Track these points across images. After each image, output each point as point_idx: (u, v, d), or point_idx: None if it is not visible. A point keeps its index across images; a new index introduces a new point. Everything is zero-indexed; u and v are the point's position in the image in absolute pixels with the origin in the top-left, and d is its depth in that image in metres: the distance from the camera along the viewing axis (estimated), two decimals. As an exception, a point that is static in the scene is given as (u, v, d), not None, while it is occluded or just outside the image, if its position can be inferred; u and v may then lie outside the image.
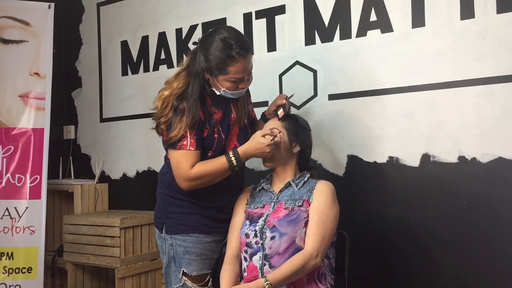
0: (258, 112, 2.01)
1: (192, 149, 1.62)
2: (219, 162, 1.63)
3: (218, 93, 1.66)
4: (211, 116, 1.68)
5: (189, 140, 1.61)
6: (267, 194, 1.72)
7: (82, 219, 2.55)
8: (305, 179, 1.70)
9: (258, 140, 1.63)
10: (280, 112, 1.74)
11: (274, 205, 1.66)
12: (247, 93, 1.84)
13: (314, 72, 2.21)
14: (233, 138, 1.74)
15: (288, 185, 1.70)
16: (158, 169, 2.25)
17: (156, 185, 1.84)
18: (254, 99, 2.04)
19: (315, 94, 2.21)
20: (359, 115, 2.12)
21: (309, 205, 1.60)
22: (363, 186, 2.11)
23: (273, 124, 1.74)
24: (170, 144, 1.63)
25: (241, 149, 1.64)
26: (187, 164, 1.61)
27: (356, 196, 2.12)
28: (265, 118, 1.88)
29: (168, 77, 1.72)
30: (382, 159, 2.07)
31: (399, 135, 2.03)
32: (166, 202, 1.75)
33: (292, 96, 1.88)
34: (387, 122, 2.06)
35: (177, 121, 1.61)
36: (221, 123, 1.71)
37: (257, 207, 1.68)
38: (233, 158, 1.62)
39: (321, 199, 1.60)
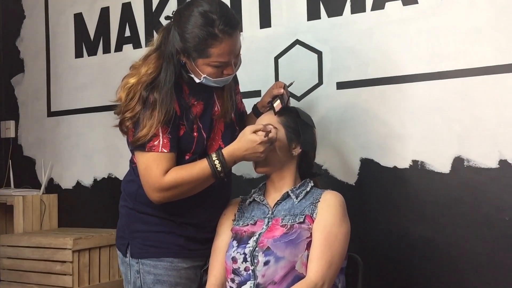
0: (249, 104, 1.98)
1: (165, 151, 1.61)
2: (199, 167, 1.62)
3: (197, 80, 1.66)
4: (189, 110, 1.68)
5: (161, 139, 1.61)
6: (259, 207, 1.72)
7: (24, 240, 2.53)
8: (308, 188, 1.70)
9: (248, 138, 1.61)
10: (277, 104, 1.73)
11: (268, 222, 1.66)
12: (235, 80, 1.84)
13: (319, 54, 2.21)
14: (216, 137, 1.75)
15: (286, 196, 1.70)
16: (121, 176, 2.21)
17: (118, 197, 1.83)
18: (243, 88, 2.04)
19: (320, 82, 2.21)
20: (375, 109, 2.11)
21: (313, 221, 1.61)
22: (380, 197, 2.11)
23: (268, 119, 1.73)
24: (138, 146, 1.62)
25: (227, 151, 1.63)
26: (158, 170, 1.60)
27: (371, 210, 2.11)
28: (257, 111, 1.87)
29: (135, 61, 1.71)
30: (403, 163, 2.07)
31: (425, 133, 2.02)
32: (131, 218, 1.75)
33: (291, 84, 1.86)
34: (410, 118, 2.05)
35: (147, 116, 1.60)
36: (201, 119, 1.71)
37: (247, 224, 1.68)
38: (216, 162, 1.61)
39: (328, 214, 1.60)
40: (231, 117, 1.79)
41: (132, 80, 1.63)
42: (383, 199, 2.11)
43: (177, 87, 1.66)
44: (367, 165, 2.13)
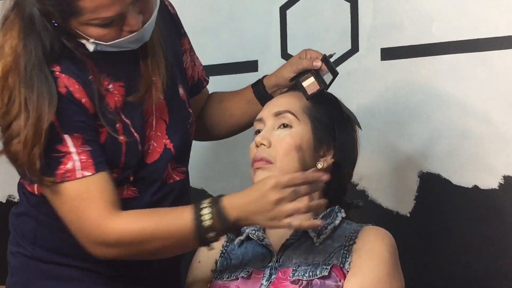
0: (241, 83, 1.96)
1: (89, 173, 1.60)
2: (174, 218, 1.60)
3: (90, 48, 1.64)
4: (103, 101, 1.66)
5: (76, 157, 1.60)
6: (256, 250, 1.71)
7: None
8: (337, 222, 1.68)
9: (265, 193, 1.53)
10: (310, 83, 1.72)
11: (271, 275, 1.63)
12: (177, 31, 1.87)
13: (353, 2, 2.20)
14: (158, 134, 1.74)
15: (301, 233, 1.66)
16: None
17: (7, 237, 1.79)
18: (229, 57, 2.09)
19: (355, 48, 2.19)
20: (444, 92, 2.09)
21: (344, 276, 1.58)
22: (452, 235, 2.08)
23: (285, 103, 1.71)
24: (42, 176, 1.58)
25: (231, 200, 1.57)
26: (96, 210, 1.60)
27: (437, 255, 2.08)
28: (262, 91, 1.87)
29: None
30: (490, 181, 2.04)
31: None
32: (30, 271, 1.74)
33: (332, 56, 1.82)
34: (503, 108, 2.03)
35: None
36: (126, 110, 1.69)
37: (236, 278, 1.66)
38: (207, 215, 1.56)
39: (370, 265, 1.59)
40: (179, 94, 1.79)
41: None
42: (457, 238, 2.07)
43: (76, 64, 1.65)
44: (431, 183, 2.11)
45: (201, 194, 2.28)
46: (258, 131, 1.73)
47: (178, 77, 1.81)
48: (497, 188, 2.03)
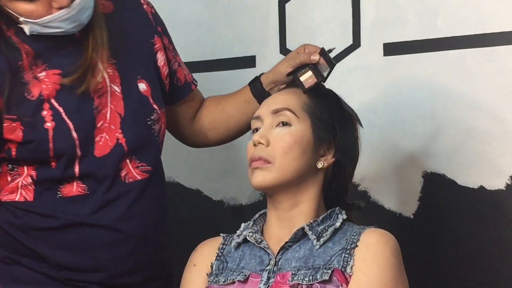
0: (237, 82, 1.97)
1: None
2: None
3: (27, 31, 1.67)
4: (22, 89, 1.69)
5: None
6: (254, 253, 1.69)
7: None
8: (337, 224, 1.66)
9: None
10: (308, 76, 1.72)
11: (269, 278, 1.62)
12: (148, 28, 1.87)
13: None
14: (112, 130, 1.76)
15: (300, 235, 1.65)
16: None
17: None
18: (226, 52, 2.03)
19: (356, 43, 2.18)
20: (450, 89, 2.07)
21: (346, 281, 1.57)
22: (457, 238, 2.07)
23: (283, 100, 1.70)
24: None
25: None
26: None
27: (442, 259, 2.07)
28: (259, 89, 1.88)
29: None
30: (497, 182, 2.02)
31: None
32: None
33: (332, 50, 1.82)
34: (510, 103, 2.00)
35: None
36: (60, 97, 1.71)
37: (233, 282, 1.65)
38: None
39: (373, 269, 1.57)
40: (137, 90, 1.79)
41: None
42: (462, 241, 2.05)
43: (7, 50, 1.68)
44: (435, 184, 2.09)
45: (197, 195, 2.24)
46: (255, 130, 1.71)
47: (141, 72, 1.81)
48: (504, 188, 2.01)
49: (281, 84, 1.82)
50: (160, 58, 1.88)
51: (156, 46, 1.88)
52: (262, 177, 1.65)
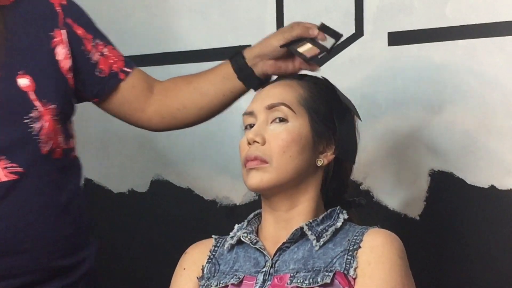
0: None
1: None
2: None
3: None
4: None
5: None
6: (248, 255, 1.68)
7: None
8: (338, 224, 1.64)
9: None
10: (308, 48, 1.72)
11: (265, 280, 1.60)
12: (47, 21, 1.83)
13: None
14: None
15: (298, 235, 1.63)
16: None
17: None
18: (222, 40, 2.13)
19: (359, 32, 2.15)
20: (458, 82, 2.03)
21: (349, 283, 1.55)
22: (466, 239, 2.04)
23: (276, 94, 1.68)
24: None
25: None
26: None
27: (449, 260, 2.05)
28: (241, 63, 1.85)
29: None
30: (509, 181, 1.98)
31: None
32: None
33: (340, 35, 1.80)
34: None
35: None
36: None
37: (226, 285, 1.63)
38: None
39: (377, 272, 1.55)
40: (15, 86, 1.75)
41: None
42: (471, 243, 2.03)
43: None
44: (443, 183, 2.06)
45: (188, 194, 2.21)
46: (248, 126, 1.68)
47: (27, 67, 1.77)
48: (515, 188, 1.96)
49: (268, 59, 1.78)
50: (60, 52, 1.84)
51: (56, 39, 1.84)
52: (259, 178, 1.63)
